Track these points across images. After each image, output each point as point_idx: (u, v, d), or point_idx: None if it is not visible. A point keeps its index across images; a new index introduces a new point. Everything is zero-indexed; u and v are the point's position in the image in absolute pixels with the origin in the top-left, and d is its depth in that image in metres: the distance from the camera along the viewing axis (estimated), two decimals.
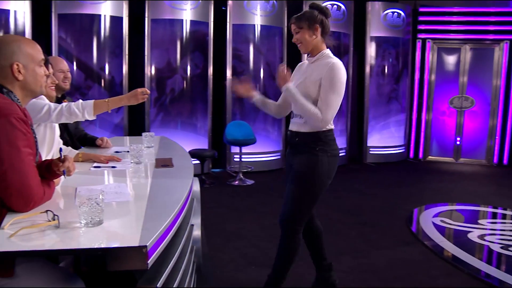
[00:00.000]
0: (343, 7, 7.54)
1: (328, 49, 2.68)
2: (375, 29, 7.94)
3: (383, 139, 8.17)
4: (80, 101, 2.56)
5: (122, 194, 2.02)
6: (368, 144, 8.09)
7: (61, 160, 1.90)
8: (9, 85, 1.85)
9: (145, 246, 1.44)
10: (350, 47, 7.73)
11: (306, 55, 2.75)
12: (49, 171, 1.91)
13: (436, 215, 4.87)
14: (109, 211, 1.74)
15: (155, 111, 6.45)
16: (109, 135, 6.09)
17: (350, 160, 7.99)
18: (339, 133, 7.68)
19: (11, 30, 5.63)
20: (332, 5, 7.42)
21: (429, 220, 4.70)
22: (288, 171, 2.81)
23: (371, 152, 8.12)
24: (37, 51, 1.90)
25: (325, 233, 4.29)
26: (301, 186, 2.62)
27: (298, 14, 2.66)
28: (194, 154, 6.02)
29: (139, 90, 2.63)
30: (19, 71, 1.83)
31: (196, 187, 2.88)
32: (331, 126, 2.63)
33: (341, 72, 2.53)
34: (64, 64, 3.29)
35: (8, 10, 5.58)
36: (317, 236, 3.00)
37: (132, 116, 6.46)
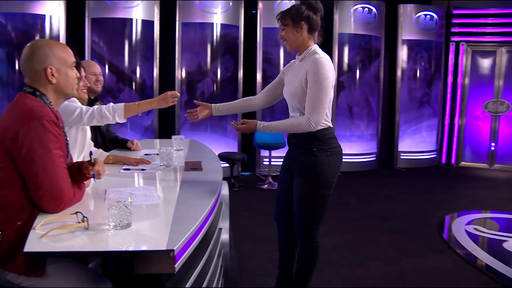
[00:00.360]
0: (374, 10, 7.44)
1: (316, 45, 2.53)
2: (407, 32, 7.80)
3: (415, 144, 8.01)
4: (111, 104, 2.59)
5: (151, 197, 2.02)
6: (399, 149, 7.95)
7: (91, 163, 1.92)
8: (42, 88, 1.88)
9: (173, 250, 1.44)
10: (381, 51, 7.62)
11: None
12: (80, 173, 1.93)
13: (469, 223, 4.74)
14: (137, 213, 1.75)
15: (184, 114, 6.48)
16: (139, 137, 6.16)
17: (380, 165, 7.87)
18: (369, 137, 7.59)
19: (46, 34, 5.76)
20: (363, 7, 7.34)
21: (461, 227, 4.58)
22: (284, 170, 2.75)
23: (402, 157, 7.97)
24: (69, 55, 1.93)
25: (354, 238, 4.26)
26: (307, 190, 2.53)
27: (284, 10, 2.54)
28: (223, 157, 6.03)
29: (169, 93, 2.64)
30: (53, 75, 1.86)
31: (225, 190, 2.87)
32: (329, 123, 2.52)
33: (325, 67, 2.39)
34: (96, 67, 3.34)
35: (44, 15, 5.72)
36: (294, 241, 2.85)
37: (162, 118, 6.52)
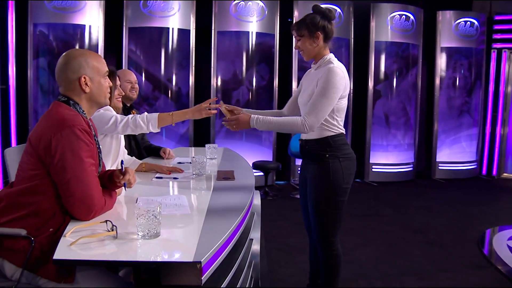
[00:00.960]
0: (412, 17, 7.29)
1: (332, 54, 2.56)
2: (446, 40, 7.61)
3: (453, 154, 7.78)
4: (146, 113, 2.61)
5: (181, 207, 2.01)
6: (437, 159, 7.74)
7: (122, 172, 1.93)
8: (76, 97, 1.91)
9: (200, 262, 1.42)
10: (419, 59, 7.46)
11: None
12: (111, 181, 1.94)
13: (511, 238, 4.55)
14: (167, 223, 1.75)
15: (220, 122, 6.51)
16: (174, 145, 6.22)
17: (417, 175, 7.67)
18: (406, 147, 7.43)
19: (86, 43, 5.90)
20: (400, 15, 7.21)
21: (503, 242, 4.40)
22: (303, 183, 2.74)
23: (440, 167, 7.76)
24: (102, 64, 1.96)
25: (388, 252, 4.15)
26: (321, 197, 2.53)
27: (299, 20, 2.56)
28: (258, 166, 6.01)
29: (204, 105, 2.65)
30: (86, 84, 1.90)
31: (257, 200, 2.84)
32: (341, 130, 2.53)
33: (337, 77, 2.40)
34: (132, 76, 3.38)
35: (84, 25, 5.87)
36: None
37: (197, 126, 6.56)
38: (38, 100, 5.93)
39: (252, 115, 2.50)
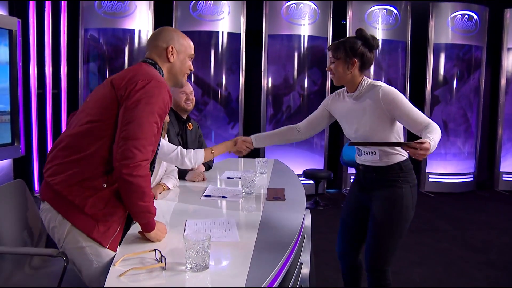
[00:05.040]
0: (475, 16, 7.04)
1: (365, 77, 2.46)
2: None
3: None
4: (192, 152, 2.73)
5: (231, 233, 2.01)
6: (501, 169, 7.43)
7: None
8: (160, 64, 2.07)
9: None
10: (482, 61, 7.19)
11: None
12: None
13: None
14: (216, 251, 1.76)
15: (270, 128, 6.52)
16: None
17: (478, 186, 7.41)
18: (466, 155, 7.19)
19: (135, 47, 6.05)
20: (463, 15, 6.98)
21: None
22: (353, 207, 2.67)
23: (504, 178, 7.45)
24: (191, 47, 2.15)
25: (445, 271, 4.02)
26: (389, 224, 2.45)
27: (338, 41, 2.44)
28: (308, 174, 5.98)
29: (240, 139, 2.84)
30: (172, 54, 2.05)
31: (308, 220, 2.82)
32: (407, 155, 2.43)
33: (394, 89, 2.35)
34: (187, 86, 3.36)
35: (134, 30, 6.04)
36: (359, 272, 2.80)
37: (247, 133, 6.58)
38: None
39: (428, 140, 2.13)
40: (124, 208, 1.90)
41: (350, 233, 2.71)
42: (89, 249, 1.83)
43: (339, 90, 2.62)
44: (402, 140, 2.47)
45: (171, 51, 2.05)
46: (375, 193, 2.50)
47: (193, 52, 2.15)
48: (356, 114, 2.45)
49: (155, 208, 1.89)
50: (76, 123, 1.91)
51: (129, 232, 1.97)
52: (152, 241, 1.88)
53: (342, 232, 2.75)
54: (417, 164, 7.11)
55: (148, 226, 1.87)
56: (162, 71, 2.06)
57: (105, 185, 1.84)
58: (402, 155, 2.44)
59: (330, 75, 2.48)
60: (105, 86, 1.92)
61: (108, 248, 1.85)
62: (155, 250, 1.71)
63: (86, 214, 1.81)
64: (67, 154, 1.85)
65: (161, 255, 1.66)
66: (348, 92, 2.51)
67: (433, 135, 2.18)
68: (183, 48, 2.09)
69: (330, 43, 6.59)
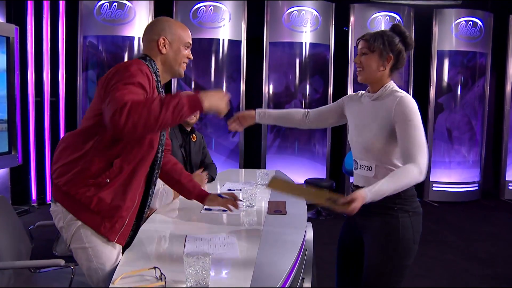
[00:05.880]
0: (480, 23, 7.05)
1: (392, 81, 2.20)
2: None
3: None
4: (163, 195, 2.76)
5: (231, 249, 2.01)
6: (507, 178, 7.42)
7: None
8: (153, 57, 2.05)
9: None
10: (487, 68, 7.19)
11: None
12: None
13: None
14: (216, 267, 1.77)
15: (272, 137, 6.53)
16: (224, 160, 6.28)
17: (483, 195, 7.39)
18: (471, 164, 7.18)
19: (135, 54, 6.09)
20: (467, 21, 6.99)
21: None
22: (346, 238, 2.41)
23: (510, 187, 7.43)
24: (186, 35, 2.11)
25: (450, 284, 4.00)
26: (384, 259, 2.14)
27: (375, 32, 2.17)
28: (311, 183, 5.97)
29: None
30: (164, 46, 2.03)
31: (309, 234, 2.81)
32: None
33: (414, 105, 2.08)
34: None
35: (133, 37, 6.07)
36: None
37: (248, 141, 6.59)
38: None
39: (365, 190, 1.93)
40: (131, 200, 1.98)
41: (346, 269, 2.46)
42: (91, 250, 1.91)
43: (360, 91, 2.36)
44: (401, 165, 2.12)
45: (163, 43, 2.03)
46: (367, 223, 2.22)
47: (189, 40, 2.10)
48: (368, 116, 2.21)
49: (176, 94, 1.78)
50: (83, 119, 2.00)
51: (128, 249, 1.97)
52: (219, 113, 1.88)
53: (339, 268, 2.51)
54: None
55: (192, 104, 1.78)
56: (154, 62, 2.04)
57: (108, 180, 1.89)
58: None
59: (355, 69, 2.22)
60: (97, 86, 1.95)
61: (116, 242, 1.94)
62: (154, 267, 1.71)
63: (92, 211, 1.88)
64: (68, 154, 1.91)
65: (161, 273, 1.66)
66: (369, 92, 2.25)
67: (390, 183, 1.96)
68: (176, 37, 2.06)
69: (332, 50, 6.67)
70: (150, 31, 2.07)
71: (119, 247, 1.97)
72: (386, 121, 2.12)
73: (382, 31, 2.17)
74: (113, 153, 1.89)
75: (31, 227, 2.70)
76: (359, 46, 2.19)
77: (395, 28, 2.17)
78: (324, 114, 2.53)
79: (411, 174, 1.97)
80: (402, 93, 2.14)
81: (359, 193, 1.91)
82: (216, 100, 1.85)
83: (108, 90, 1.78)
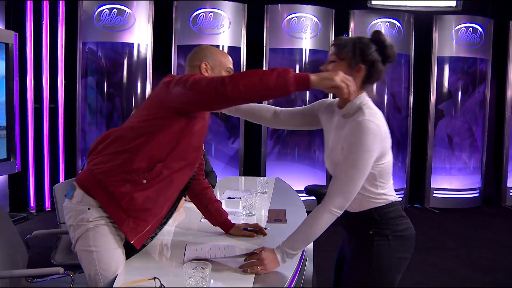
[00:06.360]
0: (480, 29, 7.07)
1: (364, 95, 1.92)
2: None
3: None
4: None
5: (232, 258, 2.03)
6: (508, 185, 7.42)
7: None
8: None
9: None
10: (487, 75, 7.21)
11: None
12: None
13: None
14: (215, 277, 1.78)
15: (272, 143, 6.54)
16: (224, 166, 6.30)
17: (484, 202, 7.39)
18: (472, 170, 7.19)
19: (134, 61, 6.11)
20: (467, 27, 7.02)
21: None
22: (342, 252, 2.27)
23: None
24: (227, 60, 2.20)
25: None
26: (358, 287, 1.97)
27: (348, 38, 1.92)
28: (310, 191, 5.97)
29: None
30: (206, 71, 2.13)
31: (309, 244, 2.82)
32: (391, 197, 1.96)
33: (370, 136, 1.78)
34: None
35: (132, 43, 6.10)
36: None
37: (248, 147, 6.61)
38: (86, 119, 6.17)
39: (276, 250, 1.88)
40: (161, 208, 2.01)
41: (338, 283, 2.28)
42: (96, 255, 1.91)
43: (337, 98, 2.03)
44: (385, 186, 1.96)
45: (205, 68, 2.12)
46: (350, 243, 2.07)
47: (230, 66, 2.19)
48: (335, 135, 1.97)
49: (281, 67, 1.72)
50: (128, 119, 2.06)
51: (128, 260, 1.98)
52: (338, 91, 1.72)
53: (334, 281, 2.41)
54: (421, 179, 7.13)
55: (298, 75, 1.71)
56: None
57: (145, 181, 1.91)
58: (375, 201, 1.94)
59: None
60: (159, 87, 2.00)
61: (133, 243, 1.94)
62: (154, 278, 1.72)
63: (121, 207, 1.89)
64: (114, 145, 1.95)
65: (161, 284, 1.68)
66: (338, 106, 2.00)
67: (301, 233, 1.88)
68: (218, 62, 2.15)
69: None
70: (192, 58, 2.17)
71: (123, 257, 1.98)
72: (344, 145, 1.87)
73: (357, 37, 1.92)
74: (157, 157, 1.92)
75: (28, 236, 2.71)
76: (329, 52, 1.96)
77: (374, 36, 1.91)
78: (296, 117, 2.27)
79: (320, 220, 1.84)
80: (369, 111, 1.85)
81: (265, 254, 1.87)
82: (327, 75, 1.72)
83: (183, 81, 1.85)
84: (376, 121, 1.82)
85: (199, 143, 2.11)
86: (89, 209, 1.91)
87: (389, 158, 1.93)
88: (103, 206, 1.90)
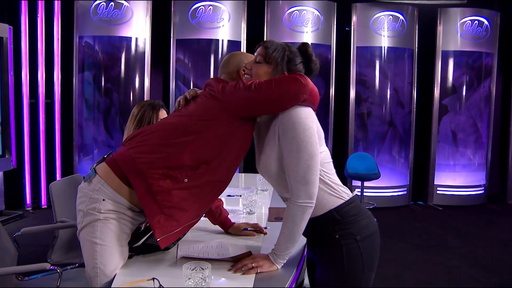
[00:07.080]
0: (486, 22, 7.05)
1: None
2: None
3: None
4: None
5: (224, 255, 2.02)
6: None
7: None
8: None
9: None
10: (493, 69, 7.19)
11: None
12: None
13: None
14: (215, 277, 1.77)
15: None
16: None
17: (489, 199, 7.39)
18: (477, 167, 7.19)
19: (132, 55, 6.10)
20: (472, 21, 6.99)
21: None
22: (308, 266, 2.25)
23: None
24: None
25: None
26: None
27: (279, 43, 1.98)
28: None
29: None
30: (244, 75, 2.12)
31: None
32: (345, 193, 1.97)
33: (302, 114, 1.85)
34: None
35: (130, 37, 6.09)
36: None
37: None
38: (83, 115, 6.17)
39: (269, 254, 1.93)
40: (195, 213, 2.00)
41: None
42: (99, 248, 1.91)
43: None
44: (332, 178, 2.00)
45: (243, 73, 2.13)
46: (316, 251, 2.05)
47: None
48: (262, 137, 2.00)
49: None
50: (177, 113, 2.08)
51: (127, 260, 1.99)
52: None
53: None
54: (425, 176, 7.13)
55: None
56: None
57: (186, 180, 1.91)
58: (339, 197, 1.94)
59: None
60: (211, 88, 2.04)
61: (158, 241, 1.89)
62: (153, 279, 1.72)
63: (157, 201, 1.88)
64: (161, 138, 1.96)
65: (160, 284, 1.68)
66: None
67: (283, 235, 1.89)
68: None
69: (334, 51, 6.68)
70: (228, 63, 2.22)
71: (125, 256, 1.98)
72: (272, 143, 1.92)
73: (287, 44, 1.99)
74: (203, 158, 1.92)
75: (16, 234, 2.68)
76: (256, 52, 2.01)
77: (301, 47, 1.99)
78: None
79: (296, 219, 1.85)
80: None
81: (258, 254, 1.94)
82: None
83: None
84: (296, 109, 1.87)
85: (241, 152, 2.04)
86: (103, 200, 1.91)
87: (324, 149, 1.96)
88: (139, 196, 1.89)
